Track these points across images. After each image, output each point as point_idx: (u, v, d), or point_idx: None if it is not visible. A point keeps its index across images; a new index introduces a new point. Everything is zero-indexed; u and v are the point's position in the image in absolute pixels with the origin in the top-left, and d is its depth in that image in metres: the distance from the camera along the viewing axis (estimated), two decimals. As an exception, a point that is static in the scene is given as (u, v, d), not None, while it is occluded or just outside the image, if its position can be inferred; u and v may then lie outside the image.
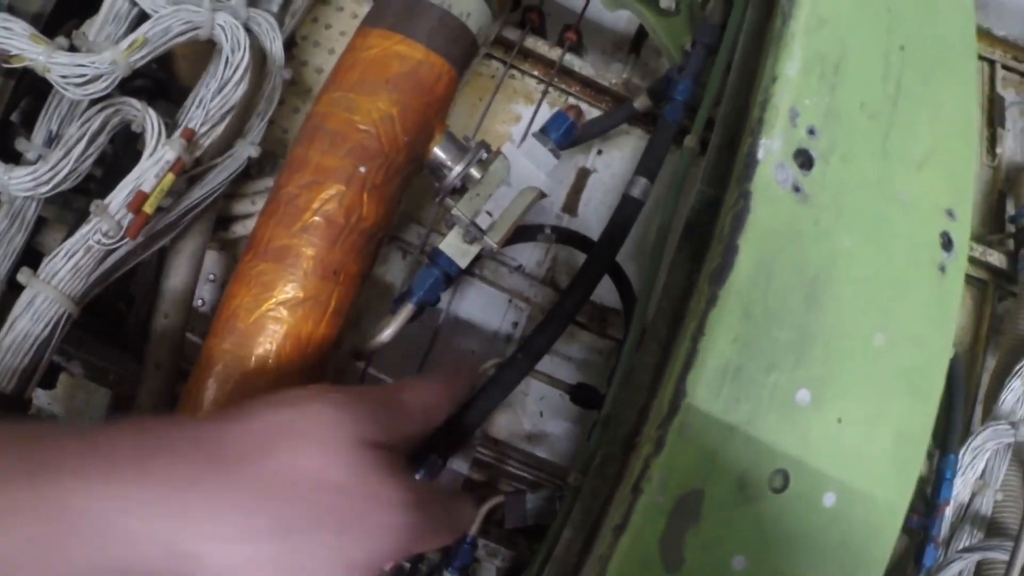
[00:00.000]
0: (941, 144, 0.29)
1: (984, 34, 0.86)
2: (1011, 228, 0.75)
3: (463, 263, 0.44)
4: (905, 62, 0.29)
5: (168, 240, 0.49)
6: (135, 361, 0.57)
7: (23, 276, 0.42)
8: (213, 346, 0.39)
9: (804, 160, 0.27)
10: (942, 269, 0.28)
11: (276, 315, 0.38)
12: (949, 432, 0.54)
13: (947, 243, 0.29)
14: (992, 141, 0.82)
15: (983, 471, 0.65)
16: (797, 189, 0.27)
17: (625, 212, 0.51)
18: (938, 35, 0.31)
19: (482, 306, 0.65)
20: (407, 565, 0.49)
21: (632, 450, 0.31)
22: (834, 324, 0.26)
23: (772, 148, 0.27)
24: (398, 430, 0.34)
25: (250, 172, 0.57)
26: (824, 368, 0.26)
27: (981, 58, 0.87)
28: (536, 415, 0.64)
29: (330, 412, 0.31)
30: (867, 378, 0.26)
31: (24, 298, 0.41)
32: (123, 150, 0.56)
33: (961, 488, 0.63)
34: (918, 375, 0.27)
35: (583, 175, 0.71)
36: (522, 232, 0.57)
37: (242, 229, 0.58)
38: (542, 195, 0.47)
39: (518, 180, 0.46)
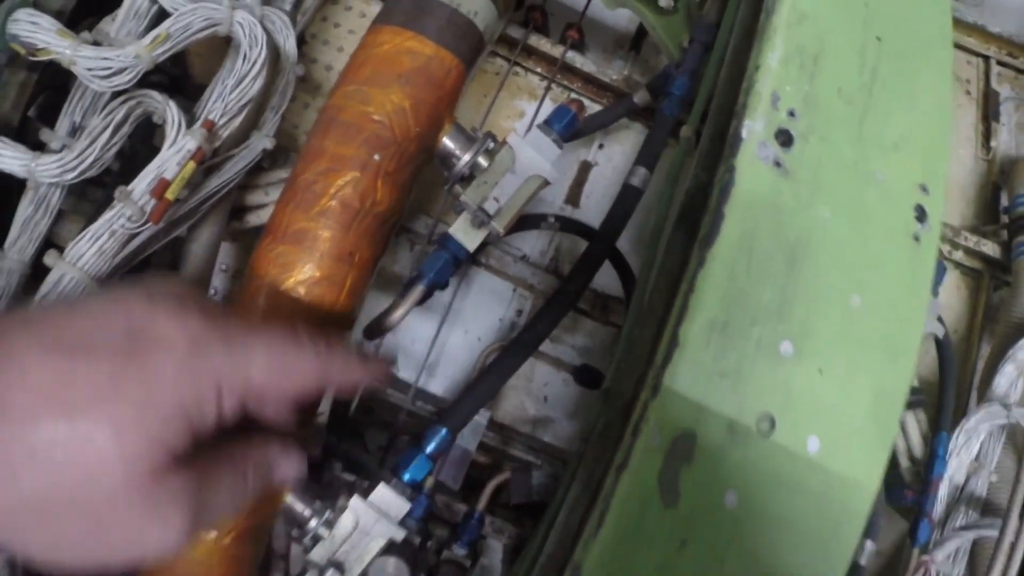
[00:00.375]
0: (915, 127, 0.32)
1: (979, 31, 0.90)
2: (1005, 219, 0.78)
3: (471, 246, 0.47)
4: (881, 53, 0.32)
5: (187, 227, 0.52)
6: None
7: (50, 258, 0.45)
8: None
9: (785, 139, 0.30)
10: (916, 239, 0.32)
11: (295, 294, 0.41)
12: (941, 410, 0.57)
13: (921, 215, 0.32)
14: (987, 135, 0.86)
15: (978, 454, 0.68)
16: (778, 164, 0.30)
17: (625, 200, 0.55)
18: (914, 27, 0.34)
19: (488, 295, 0.68)
20: (416, 540, 0.52)
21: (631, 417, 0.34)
22: (813, 285, 0.29)
23: (755, 128, 0.30)
24: (216, 416, 0.29)
25: (262, 165, 0.60)
26: (804, 324, 0.29)
27: (976, 54, 0.90)
28: (540, 401, 0.67)
29: (113, 445, 0.27)
30: (845, 335, 0.29)
31: (51, 278, 0.44)
32: (139, 144, 0.60)
33: (956, 469, 0.65)
34: (894, 335, 0.30)
35: (585, 168, 0.75)
36: (527, 220, 0.60)
37: (255, 219, 0.61)
38: (546, 183, 0.51)
39: (523, 168, 0.49)
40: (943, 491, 0.64)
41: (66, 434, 0.27)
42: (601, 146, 0.76)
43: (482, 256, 0.65)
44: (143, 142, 0.60)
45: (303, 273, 0.42)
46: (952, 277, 0.79)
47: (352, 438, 0.67)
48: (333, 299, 0.42)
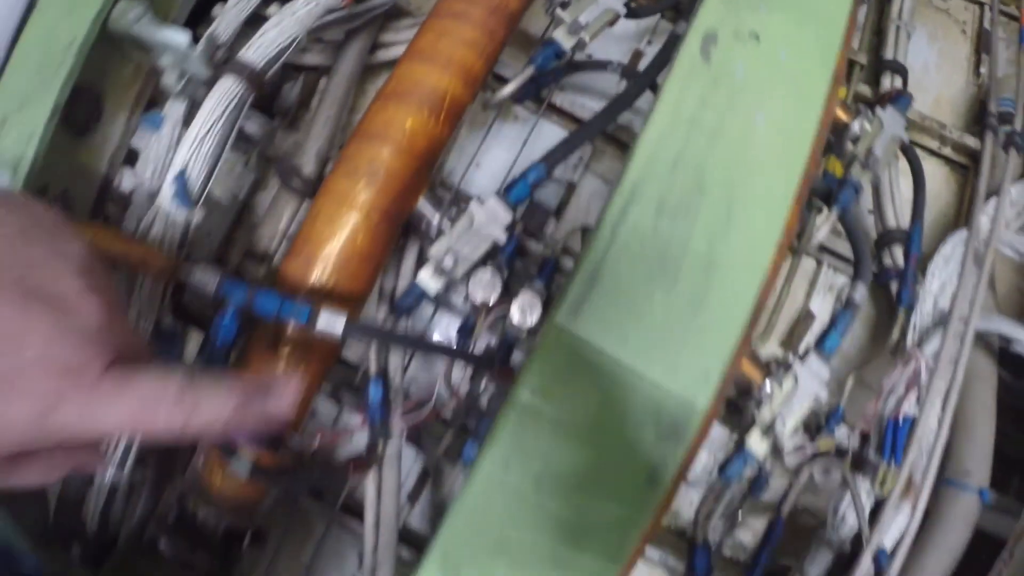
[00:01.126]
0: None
1: (977, -18, 1.18)
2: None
3: (567, 47, 0.73)
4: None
5: (350, 27, 0.79)
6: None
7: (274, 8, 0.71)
8: (402, 68, 0.68)
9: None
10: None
11: (453, 51, 0.67)
12: (915, 203, 0.81)
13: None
14: (977, 65, 1.13)
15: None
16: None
17: (669, 44, 0.81)
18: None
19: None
20: (506, 273, 0.76)
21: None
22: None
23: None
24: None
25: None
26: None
27: (975, 2, 1.19)
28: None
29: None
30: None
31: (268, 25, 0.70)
32: None
33: (939, 292, 0.88)
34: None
35: (636, 56, 1.01)
36: (597, 64, 0.86)
37: (384, 55, 0.88)
38: (617, 17, 0.77)
39: (599, 7, 0.76)
40: (928, 306, 0.87)
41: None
42: (649, 42, 1.03)
43: (555, 100, 0.91)
44: None
45: (456, 38, 0.68)
46: (942, 172, 1.04)
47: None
48: (477, 55, 0.68)
